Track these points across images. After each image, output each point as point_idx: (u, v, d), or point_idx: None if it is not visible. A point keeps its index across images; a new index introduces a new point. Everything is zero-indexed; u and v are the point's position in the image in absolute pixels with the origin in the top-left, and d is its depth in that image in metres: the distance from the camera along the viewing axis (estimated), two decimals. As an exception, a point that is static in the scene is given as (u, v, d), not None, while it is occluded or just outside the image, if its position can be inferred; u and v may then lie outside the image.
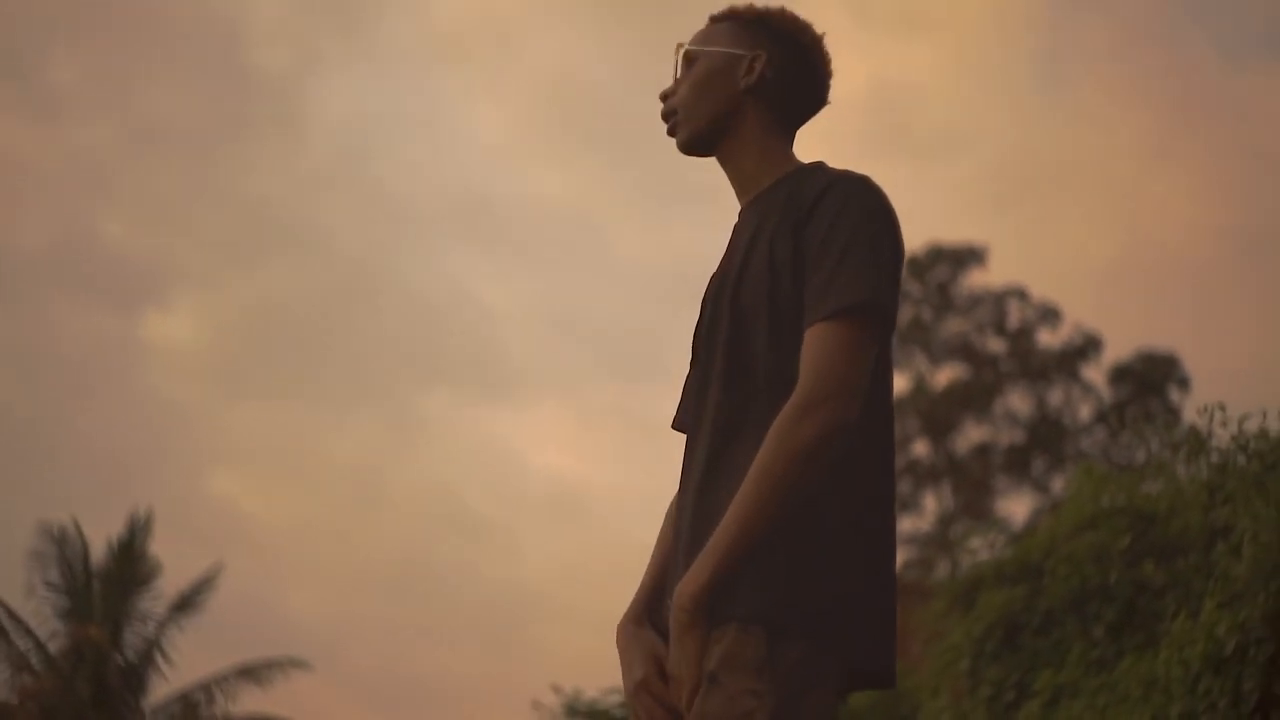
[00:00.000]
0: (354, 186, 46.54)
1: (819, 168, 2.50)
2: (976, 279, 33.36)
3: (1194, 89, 46.22)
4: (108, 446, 39.55)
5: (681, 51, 2.63)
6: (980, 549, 9.28)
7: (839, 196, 2.37)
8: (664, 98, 2.64)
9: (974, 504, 31.14)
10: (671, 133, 2.62)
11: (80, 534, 23.22)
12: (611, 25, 48.19)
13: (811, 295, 2.31)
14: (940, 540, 30.02)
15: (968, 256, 33.34)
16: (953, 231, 42.42)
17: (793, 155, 2.59)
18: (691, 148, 2.60)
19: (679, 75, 2.62)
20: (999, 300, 33.10)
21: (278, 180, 45.64)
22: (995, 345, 33.21)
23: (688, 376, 2.62)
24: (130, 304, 45.85)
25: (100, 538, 23.54)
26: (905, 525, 32.40)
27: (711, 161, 2.63)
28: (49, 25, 44.50)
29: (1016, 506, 30.99)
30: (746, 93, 2.55)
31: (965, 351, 33.09)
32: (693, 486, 2.43)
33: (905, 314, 33.13)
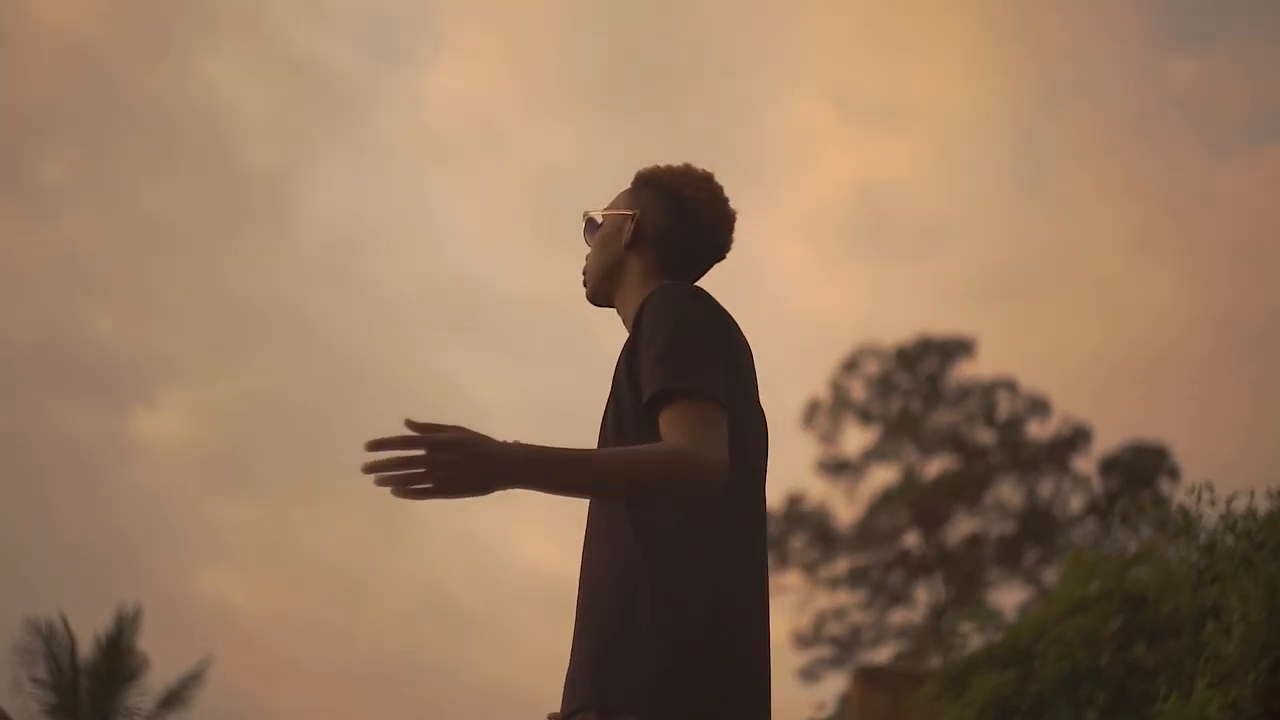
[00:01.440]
0: (343, 281, 46.68)
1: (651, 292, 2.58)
2: (966, 371, 33.53)
3: (1178, 181, 46.57)
4: (95, 542, 39.35)
5: (586, 216, 2.88)
6: (971, 634, 9.26)
7: (650, 306, 2.47)
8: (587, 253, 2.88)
9: (965, 595, 30.99)
10: (584, 283, 2.86)
11: (68, 629, 23.04)
12: (596, 120, 48.61)
13: (640, 400, 2.39)
14: (932, 632, 29.86)
15: (956, 348, 33.47)
16: (941, 324, 42.61)
17: None
18: (594, 301, 2.84)
19: (587, 238, 2.87)
20: (988, 392, 33.18)
21: (267, 275, 45.78)
22: (985, 436, 33.25)
23: None
24: (119, 400, 45.77)
25: (88, 633, 23.37)
26: (896, 618, 32.32)
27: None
28: (40, 122, 44.82)
29: (1008, 598, 30.89)
30: (626, 249, 2.74)
31: (955, 443, 33.12)
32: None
33: (895, 405, 33.22)
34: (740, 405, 2.44)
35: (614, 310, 2.79)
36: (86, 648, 23.10)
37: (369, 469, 2.13)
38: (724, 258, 2.78)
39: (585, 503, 2.51)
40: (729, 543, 2.39)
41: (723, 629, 2.32)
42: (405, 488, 2.13)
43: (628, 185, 2.85)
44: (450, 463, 2.13)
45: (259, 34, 47.33)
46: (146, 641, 23.74)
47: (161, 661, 23.60)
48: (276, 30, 48.06)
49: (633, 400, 2.42)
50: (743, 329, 2.56)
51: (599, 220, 2.83)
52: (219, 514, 42.05)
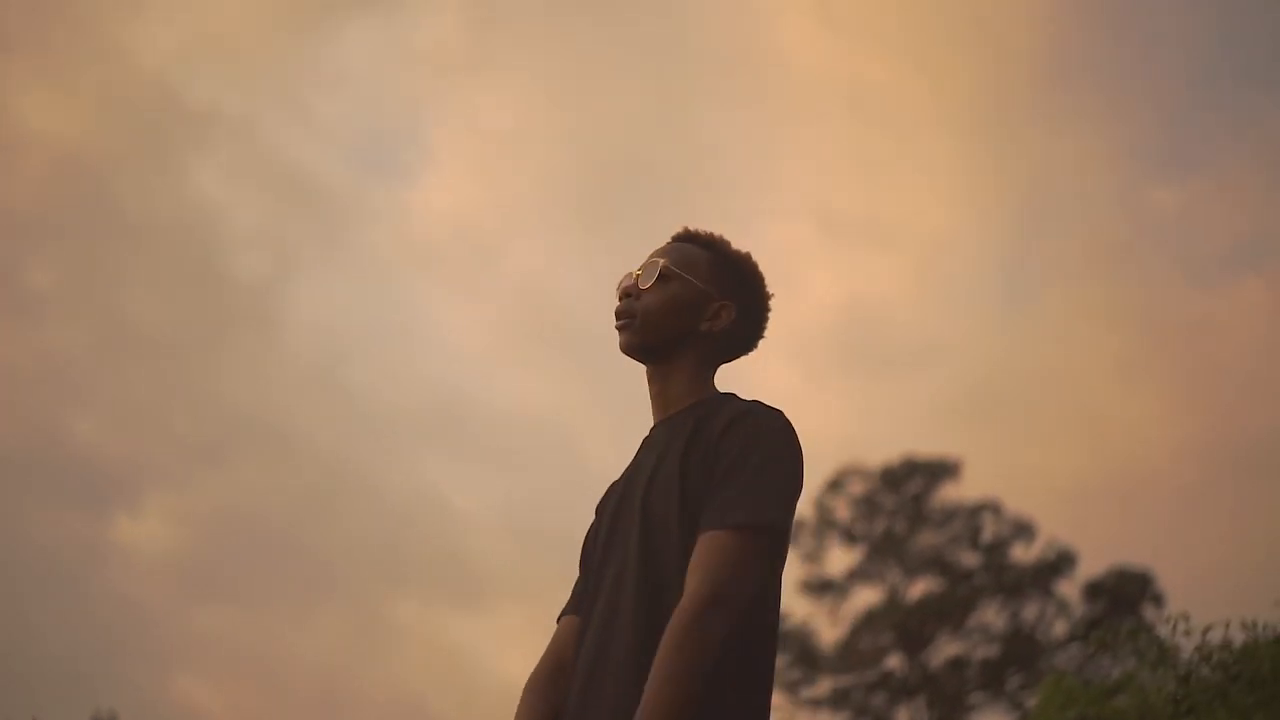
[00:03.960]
0: (328, 390, 46.69)
1: (732, 397, 2.64)
2: (950, 492, 33.48)
3: (1158, 306, 46.94)
4: (73, 647, 38.96)
5: (661, 264, 2.73)
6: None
7: (756, 423, 2.52)
8: (624, 294, 2.74)
9: (949, 719, 30.76)
10: (622, 330, 2.72)
11: (41, 737, 22.81)
12: (585, 235, 48.97)
13: (717, 505, 2.42)
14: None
15: (941, 470, 33.46)
16: (927, 443, 42.57)
17: (713, 384, 2.74)
18: (633, 353, 2.73)
19: (644, 279, 2.72)
20: (973, 514, 33.11)
21: (251, 384, 45.78)
22: (970, 559, 33.11)
23: (577, 581, 2.77)
24: (100, 505, 45.55)
25: (62, 740, 23.15)
26: (879, 741, 31.99)
27: None
28: (30, 228, 45.03)
29: (992, 724, 30.65)
30: (704, 334, 2.69)
31: (940, 564, 32.97)
32: (582, 672, 2.52)
33: (879, 526, 33.13)
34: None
35: (637, 362, 2.74)
36: (60, 756, 22.89)
37: None
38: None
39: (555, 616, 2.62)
40: (765, 662, 2.47)
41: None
42: None
43: (671, 241, 2.80)
44: None
45: (250, 144, 47.75)
46: (121, 750, 23.54)
47: (135, 771, 23.37)
48: (267, 141, 48.49)
49: (702, 491, 2.46)
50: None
51: (669, 275, 2.71)
52: (198, 621, 41.73)
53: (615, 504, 2.67)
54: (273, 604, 43.58)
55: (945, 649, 32.40)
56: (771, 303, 2.78)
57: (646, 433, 2.73)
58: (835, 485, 33.64)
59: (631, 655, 2.42)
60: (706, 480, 2.46)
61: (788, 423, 2.53)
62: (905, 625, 31.97)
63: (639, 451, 2.72)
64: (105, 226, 45.78)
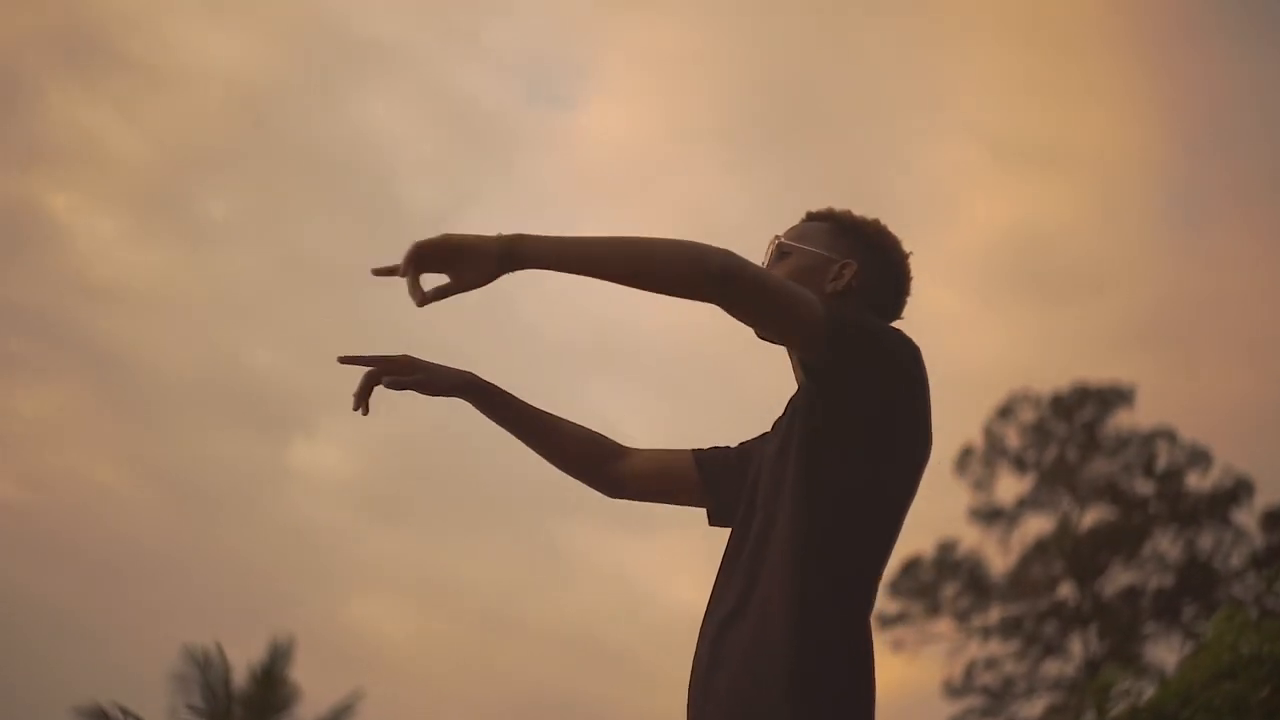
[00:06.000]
0: (497, 318, 47.18)
1: None
2: (1124, 420, 32.89)
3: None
4: (251, 571, 40.10)
5: (775, 243, 2.73)
6: (1117, 697, 9.06)
7: None
8: None
9: (1121, 649, 30.36)
10: None
11: (223, 658, 23.50)
12: (746, 162, 48.68)
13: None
14: (1086, 687, 29.27)
15: (1114, 397, 32.87)
16: (1098, 371, 41.79)
17: None
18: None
19: (770, 265, 2.70)
20: (1147, 441, 32.52)
21: (423, 312, 46.25)
22: (1143, 487, 32.58)
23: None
24: (277, 430, 46.69)
25: (242, 662, 23.82)
26: (1050, 670, 31.73)
27: None
28: (204, 158, 46.06)
29: (1167, 653, 30.19)
30: (830, 296, 2.62)
31: (1112, 493, 32.49)
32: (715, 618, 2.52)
33: (1050, 453, 32.70)
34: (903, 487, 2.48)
35: (778, 348, 2.68)
36: (241, 677, 23.56)
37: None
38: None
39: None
40: (867, 603, 2.43)
41: (863, 697, 2.36)
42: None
43: (798, 222, 2.77)
44: (434, 245, 2.31)
45: (420, 74, 48.24)
46: (298, 671, 24.17)
47: (313, 691, 23.97)
48: (437, 70, 48.93)
49: (805, 420, 2.45)
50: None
51: (788, 250, 2.71)
52: (373, 544, 42.68)
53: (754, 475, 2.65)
54: (446, 529, 44.45)
55: (1118, 578, 32.01)
56: (906, 263, 2.72)
57: None
58: (1005, 412, 33.26)
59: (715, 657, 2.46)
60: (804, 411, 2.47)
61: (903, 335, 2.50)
62: (1077, 554, 31.60)
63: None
64: (279, 157, 46.74)
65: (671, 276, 2.30)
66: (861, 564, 2.42)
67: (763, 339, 2.54)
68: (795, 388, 2.62)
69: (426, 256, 2.29)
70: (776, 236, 2.74)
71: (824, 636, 2.33)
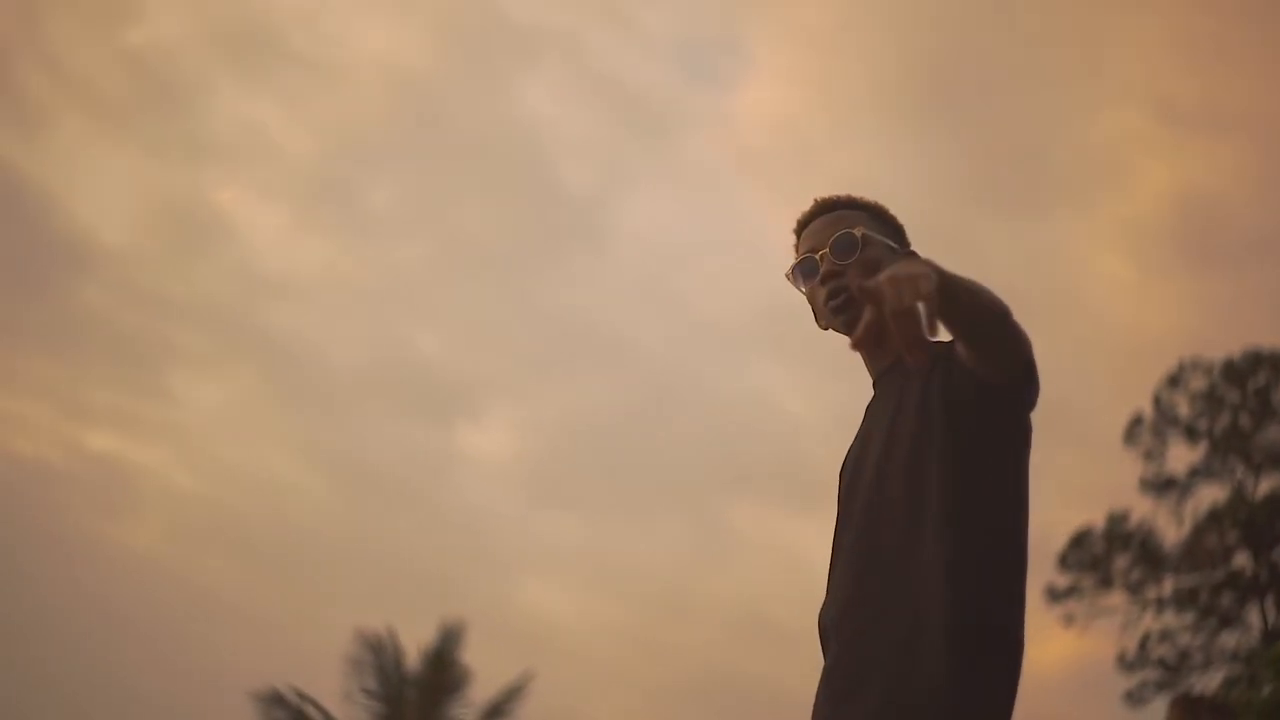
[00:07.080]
0: (659, 300, 47.35)
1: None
2: (1298, 385, 31.99)
3: None
4: (422, 555, 40.71)
5: (859, 232, 2.67)
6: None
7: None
8: (831, 277, 2.69)
9: (1302, 620, 29.62)
10: (839, 309, 2.66)
11: (395, 642, 23.84)
12: (909, 135, 48.15)
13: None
14: (1264, 657, 28.58)
15: (1288, 362, 32.01)
16: (1271, 337, 40.76)
17: None
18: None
19: (842, 254, 2.66)
20: (1323, 407, 31.64)
21: (584, 295, 46.76)
22: (1321, 453, 31.71)
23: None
24: (445, 416, 47.34)
25: (414, 645, 24.13)
26: (1228, 641, 31.05)
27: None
28: (366, 148, 46.72)
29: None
30: None
31: (1288, 460, 31.67)
32: (841, 603, 2.52)
33: (1222, 421, 31.94)
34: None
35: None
36: (413, 659, 23.89)
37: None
38: None
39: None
40: (1018, 581, 2.41)
41: (1013, 681, 2.34)
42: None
43: (812, 209, 2.78)
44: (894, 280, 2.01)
45: (575, 58, 48.45)
46: (469, 653, 24.46)
47: (484, 673, 24.23)
48: (592, 54, 49.12)
49: (944, 411, 2.41)
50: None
51: (870, 240, 2.67)
52: (542, 528, 43.13)
53: (855, 460, 2.63)
54: (613, 510, 44.78)
55: (1296, 547, 31.18)
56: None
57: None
58: (1174, 380, 32.54)
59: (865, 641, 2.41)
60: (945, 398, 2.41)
61: None
62: (1253, 522, 30.84)
63: (873, 405, 2.68)
64: (439, 145, 47.27)
65: (1000, 314, 2.24)
66: (1012, 580, 2.40)
67: (981, 372, 2.38)
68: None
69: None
70: (836, 230, 2.69)
71: (983, 625, 2.30)
